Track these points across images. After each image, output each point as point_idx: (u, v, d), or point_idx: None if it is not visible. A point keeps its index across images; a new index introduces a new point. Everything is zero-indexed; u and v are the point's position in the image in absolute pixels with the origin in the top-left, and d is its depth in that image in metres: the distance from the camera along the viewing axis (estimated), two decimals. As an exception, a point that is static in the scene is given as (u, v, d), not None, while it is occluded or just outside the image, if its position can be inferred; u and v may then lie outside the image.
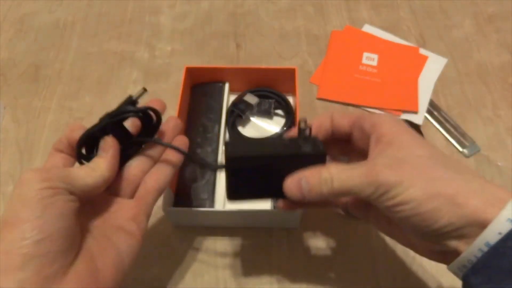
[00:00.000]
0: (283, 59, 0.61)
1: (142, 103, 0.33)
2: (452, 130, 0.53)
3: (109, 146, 0.31)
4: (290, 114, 0.52)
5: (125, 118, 0.32)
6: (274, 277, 0.43)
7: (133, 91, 0.58)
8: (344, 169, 0.29)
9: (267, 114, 0.53)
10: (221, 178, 0.47)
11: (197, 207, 0.45)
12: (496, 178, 0.49)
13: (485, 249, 0.24)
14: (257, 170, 0.31)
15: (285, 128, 0.51)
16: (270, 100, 0.53)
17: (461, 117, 0.55)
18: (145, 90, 0.33)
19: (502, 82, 0.58)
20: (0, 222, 0.26)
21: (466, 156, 0.51)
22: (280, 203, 0.34)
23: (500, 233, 0.23)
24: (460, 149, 0.52)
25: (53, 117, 0.56)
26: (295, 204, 0.33)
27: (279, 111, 0.54)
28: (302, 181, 0.30)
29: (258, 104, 0.53)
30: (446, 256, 0.28)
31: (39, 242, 0.25)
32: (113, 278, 0.29)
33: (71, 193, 0.27)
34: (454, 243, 0.26)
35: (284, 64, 0.60)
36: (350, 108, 0.56)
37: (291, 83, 0.52)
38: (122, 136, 0.32)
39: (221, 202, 0.46)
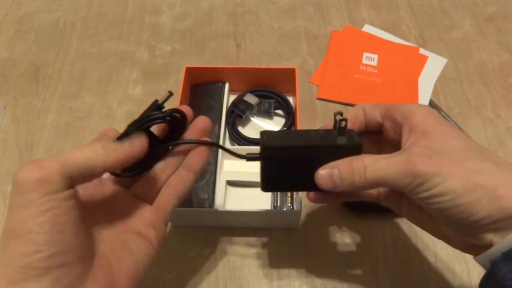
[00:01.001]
0: (283, 59, 0.61)
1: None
2: (452, 130, 0.53)
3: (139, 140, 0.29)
4: (290, 114, 0.52)
5: (153, 125, 0.30)
6: (274, 277, 0.43)
7: (133, 90, 0.58)
8: (378, 159, 0.29)
9: (267, 114, 0.53)
10: (221, 178, 0.47)
11: (197, 207, 0.45)
12: (496, 178, 0.49)
13: None
14: (292, 161, 0.31)
15: (285, 128, 0.51)
16: (270, 100, 0.54)
17: (461, 117, 0.55)
18: (171, 93, 0.32)
19: (502, 82, 0.58)
20: (7, 230, 0.25)
21: (466, 156, 0.51)
22: (311, 195, 0.34)
23: None
24: (460, 149, 0.52)
25: (53, 117, 0.56)
26: (326, 196, 0.33)
27: (279, 111, 0.54)
28: (334, 171, 0.30)
29: (258, 104, 0.53)
30: (478, 248, 0.27)
31: (53, 256, 0.24)
32: (129, 286, 0.28)
33: (72, 183, 0.26)
34: (490, 236, 0.26)
35: (284, 64, 0.60)
36: (350, 108, 0.56)
37: (291, 83, 0.52)
38: (151, 142, 0.31)
39: (221, 202, 0.46)
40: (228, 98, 0.55)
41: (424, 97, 0.56)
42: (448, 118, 0.54)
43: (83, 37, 0.64)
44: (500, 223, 0.25)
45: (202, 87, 0.54)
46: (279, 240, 0.45)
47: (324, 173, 0.31)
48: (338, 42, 0.62)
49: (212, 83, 0.54)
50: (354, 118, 0.34)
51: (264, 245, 0.45)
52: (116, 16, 0.67)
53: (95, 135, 0.32)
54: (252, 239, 0.45)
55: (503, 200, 0.25)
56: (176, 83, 0.58)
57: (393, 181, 0.28)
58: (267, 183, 0.33)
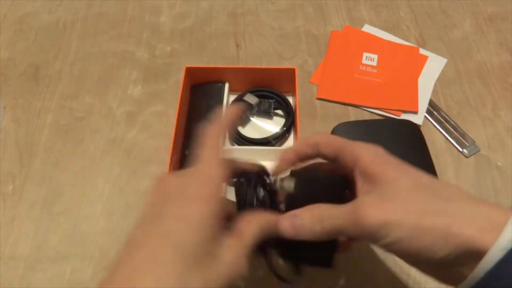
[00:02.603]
0: (283, 59, 0.61)
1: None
2: (452, 130, 0.53)
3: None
4: (290, 114, 0.52)
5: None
6: (274, 278, 0.43)
7: (133, 91, 0.58)
8: (333, 208, 0.28)
9: (267, 114, 0.53)
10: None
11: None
12: (496, 178, 0.49)
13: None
14: None
15: (285, 128, 0.51)
16: (270, 100, 0.54)
17: (461, 117, 0.55)
18: None
19: (502, 82, 0.58)
20: (179, 216, 0.26)
21: (466, 156, 0.51)
22: None
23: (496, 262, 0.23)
24: (460, 149, 0.52)
25: (53, 117, 0.56)
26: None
27: (279, 111, 0.54)
28: (296, 219, 0.29)
29: (258, 104, 0.53)
30: (455, 279, 0.27)
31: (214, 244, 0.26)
32: None
33: None
34: (458, 269, 0.25)
35: (284, 64, 0.60)
36: (350, 108, 0.56)
37: (291, 83, 0.52)
38: None
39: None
40: (228, 98, 0.55)
41: (424, 97, 0.56)
42: (448, 118, 0.54)
43: (83, 37, 0.64)
44: (462, 259, 0.25)
45: (202, 87, 0.54)
46: (279, 240, 0.45)
47: (285, 222, 0.30)
48: (338, 42, 0.62)
49: (212, 83, 0.54)
50: (291, 157, 0.33)
51: (264, 245, 0.45)
52: (116, 16, 0.67)
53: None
54: (252, 239, 0.45)
55: (458, 238, 0.24)
56: (176, 83, 0.58)
57: (347, 232, 0.27)
58: None
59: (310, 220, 0.29)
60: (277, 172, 0.33)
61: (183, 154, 0.49)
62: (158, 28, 0.65)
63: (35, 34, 0.65)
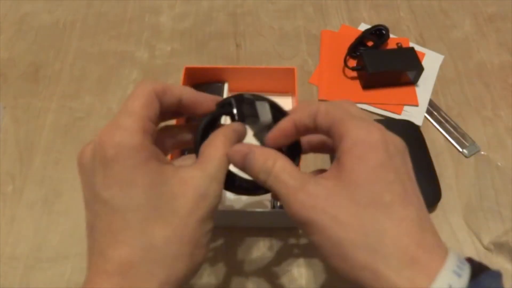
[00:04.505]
0: (283, 59, 0.61)
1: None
2: (452, 130, 0.53)
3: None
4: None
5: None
6: (274, 277, 0.43)
7: (133, 91, 0.58)
8: (286, 171, 0.25)
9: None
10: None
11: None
12: (496, 178, 0.49)
13: None
14: None
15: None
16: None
17: (461, 117, 0.55)
18: None
19: (502, 82, 0.58)
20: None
21: (466, 156, 0.51)
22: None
23: None
24: (460, 149, 0.52)
25: (53, 117, 0.56)
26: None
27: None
28: (249, 155, 0.27)
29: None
30: None
31: None
32: None
33: None
34: None
35: (284, 64, 0.60)
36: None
37: (291, 83, 0.52)
38: None
39: (221, 202, 0.46)
40: (228, 98, 0.55)
41: (424, 97, 0.56)
42: (448, 118, 0.54)
43: (83, 37, 0.64)
44: None
45: (201, 87, 0.54)
46: (279, 240, 0.45)
47: (239, 151, 0.27)
48: (329, 42, 0.62)
49: (211, 83, 0.54)
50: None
51: (264, 245, 0.45)
52: (116, 16, 0.67)
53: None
54: (252, 239, 0.45)
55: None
56: (176, 83, 0.58)
57: (283, 202, 0.26)
58: None
59: (261, 165, 0.26)
60: (274, 143, 0.30)
61: (182, 154, 0.49)
62: (158, 28, 0.65)
63: (35, 34, 0.65)
